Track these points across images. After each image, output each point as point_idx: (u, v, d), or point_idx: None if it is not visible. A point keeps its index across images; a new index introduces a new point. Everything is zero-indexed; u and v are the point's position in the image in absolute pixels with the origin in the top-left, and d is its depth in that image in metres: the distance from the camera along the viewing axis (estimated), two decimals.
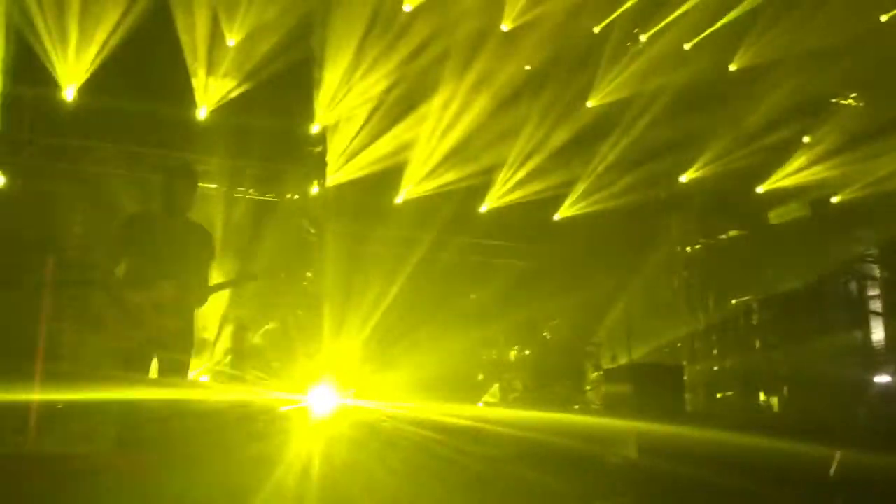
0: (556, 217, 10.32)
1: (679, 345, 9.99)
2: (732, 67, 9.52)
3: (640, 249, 9.61)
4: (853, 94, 9.78)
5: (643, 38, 9.30)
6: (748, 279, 10.26)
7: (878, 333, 9.54)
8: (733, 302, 10.10)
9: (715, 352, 9.87)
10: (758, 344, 9.19)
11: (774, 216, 10.15)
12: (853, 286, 9.59)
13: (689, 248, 10.89)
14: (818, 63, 8.56)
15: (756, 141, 9.78)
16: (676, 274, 10.92)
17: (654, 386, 6.41)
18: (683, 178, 10.31)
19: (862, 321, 9.35)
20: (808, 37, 8.43)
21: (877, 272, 9.35)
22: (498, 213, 9.98)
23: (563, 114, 9.37)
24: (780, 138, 9.75)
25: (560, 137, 9.39)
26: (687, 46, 9.18)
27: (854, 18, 8.39)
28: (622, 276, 9.65)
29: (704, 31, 9.03)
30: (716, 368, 9.57)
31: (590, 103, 9.60)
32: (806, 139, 10.04)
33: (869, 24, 8.64)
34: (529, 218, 10.06)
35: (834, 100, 9.78)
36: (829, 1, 8.24)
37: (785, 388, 8.50)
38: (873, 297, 9.52)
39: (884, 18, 8.77)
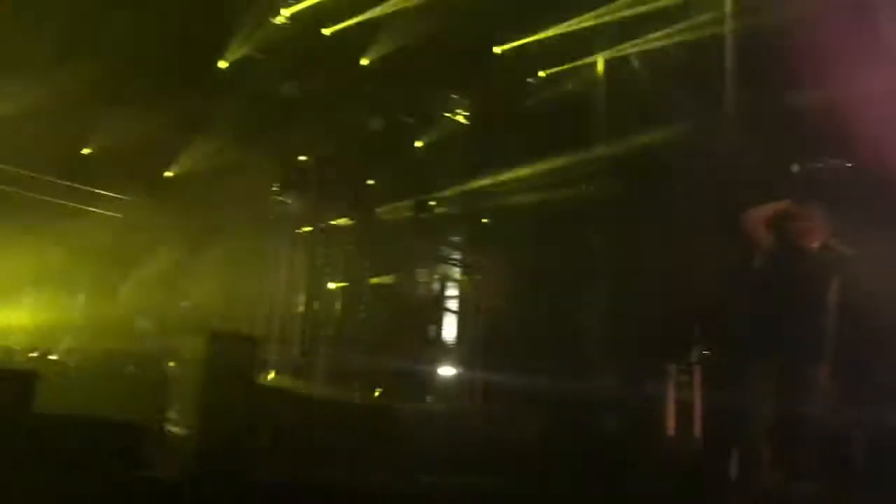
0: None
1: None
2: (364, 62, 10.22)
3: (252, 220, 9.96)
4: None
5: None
6: (350, 266, 11.16)
7: (450, 330, 11.11)
8: (331, 287, 10.91)
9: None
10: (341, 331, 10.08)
11: (384, 211, 11.25)
12: (436, 285, 11.06)
13: (303, 229, 11.50)
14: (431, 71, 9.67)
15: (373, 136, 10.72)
16: (287, 251, 11.46)
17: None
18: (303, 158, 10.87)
19: (437, 318, 10.82)
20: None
21: (457, 274, 10.89)
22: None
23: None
24: (394, 137, 10.84)
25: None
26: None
27: None
28: (228, 245, 9.89)
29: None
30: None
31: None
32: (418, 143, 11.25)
33: None
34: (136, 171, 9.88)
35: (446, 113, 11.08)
36: None
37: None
38: (451, 297, 11.07)
39: None
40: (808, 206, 5.03)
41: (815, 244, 4.93)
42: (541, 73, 10.54)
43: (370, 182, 11.49)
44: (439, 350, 10.97)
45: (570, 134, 9.92)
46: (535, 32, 9.73)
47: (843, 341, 5.84)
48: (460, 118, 11.97)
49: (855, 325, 6.37)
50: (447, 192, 11.41)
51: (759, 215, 4.98)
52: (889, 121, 6.92)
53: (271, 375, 9.56)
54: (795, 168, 7.28)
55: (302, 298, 11.38)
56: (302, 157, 10.87)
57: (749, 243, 5.05)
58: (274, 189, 11.02)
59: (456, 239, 11.83)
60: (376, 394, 9.41)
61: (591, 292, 9.14)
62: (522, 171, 10.54)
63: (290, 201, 11.14)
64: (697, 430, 6.94)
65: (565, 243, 9.51)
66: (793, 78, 7.55)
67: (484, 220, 11.09)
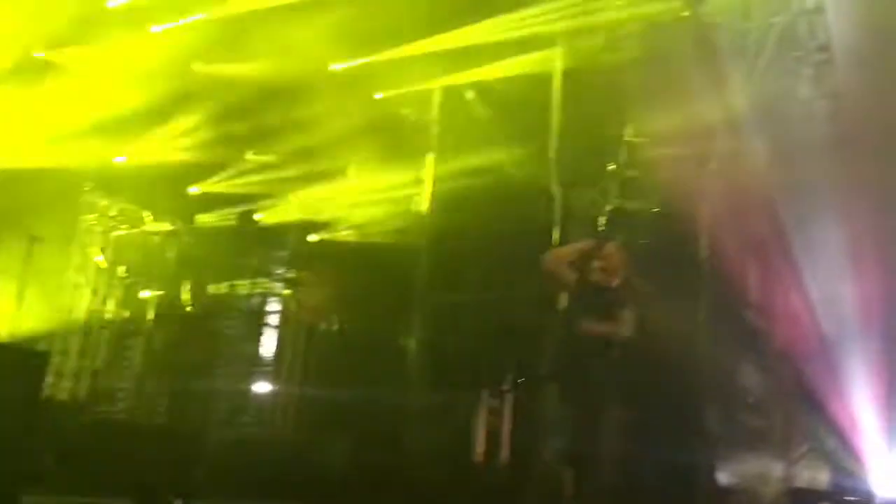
0: None
1: None
2: None
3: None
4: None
5: None
6: (166, 275, 10.65)
7: (269, 346, 10.86)
8: (144, 295, 10.38)
9: None
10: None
11: (203, 218, 10.85)
12: (257, 299, 10.81)
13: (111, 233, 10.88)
14: None
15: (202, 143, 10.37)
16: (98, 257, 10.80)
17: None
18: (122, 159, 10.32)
19: (256, 333, 10.56)
20: None
21: (278, 289, 10.69)
22: None
23: None
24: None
25: None
26: None
27: None
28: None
29: None
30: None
31: None
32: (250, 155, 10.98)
33: None
34: None
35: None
36: None
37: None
38: (272, 312, 10.85)
39: None
40: (606, 245, 5.41)
41: (614, 282, 5.26)
42: (378, 95, 10.65)
43: (192, 188, 11.06)
44: (254, 367, 10.71)
45: (405, 155, 10.08)
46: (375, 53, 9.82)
47: (638, 376, 6.27)
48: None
49: (650, 361, 6.88)
50: (274, 204, 11.22)
51: (560, 254, 5.32)
52: (687, 166, 7.58)
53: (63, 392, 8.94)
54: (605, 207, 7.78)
55: (111, 307, 10.73)
56: (121, 158, 10.30)
57: (551, 281, 5.34)
58: (86, 190, 10.34)
59: (281, 254, 11.62)
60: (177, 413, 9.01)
61: (413, 316, 9.26)
62: (352, 187, 10.59)
63: (104, 203, 10.49)
64: (503, 454, 7.19)
65: (391, 265, 9.61)
66: (608, 114, 8.08)
67: (310, 237, 10.98)
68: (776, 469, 10.16)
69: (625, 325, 5.18)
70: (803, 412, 10.65)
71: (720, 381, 8.59)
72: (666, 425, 7.39)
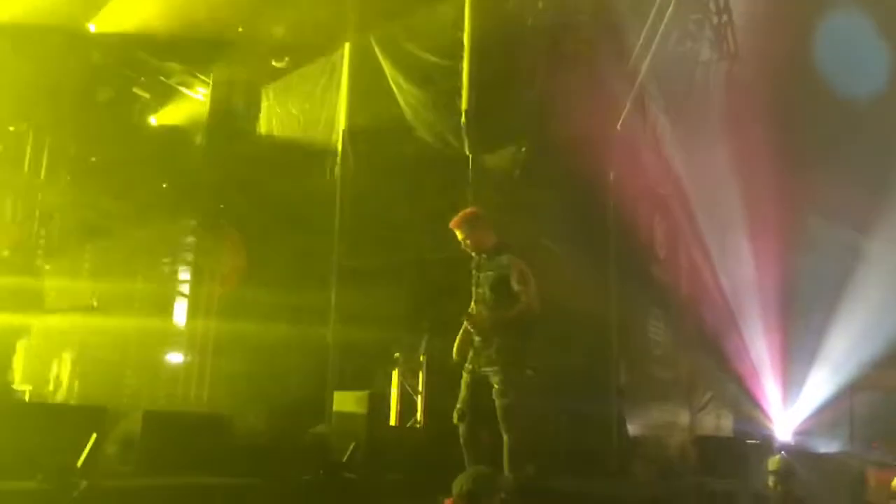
0: None
1: None
2: None
3: None
4: None
5: None
6: (69, 246, 10.25)
7: (180, 316, 10.65)
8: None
9: None
10: None
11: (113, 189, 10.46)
12: (167, 267, 10.57)
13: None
14: None
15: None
16: None
17: None
18: None
19: (167, 303, 10.34)
20: None
21: (189, 256, 10.47)
22: None
23: None
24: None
25: None
26: None
27: None
28: None
29: None
30: None
31: None
32: None
33: None
34: None
35: None
36: None
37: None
38: (182, 281, 10.63)
39: None
40: (472, 212, 5.59)
41: (485, 246, 5.45)
42: (286, 59, 10.44)
43: (94, 159, 10.63)
44: (165, 338, 10.50)
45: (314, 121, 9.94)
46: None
47: (550, 334, 6.43)
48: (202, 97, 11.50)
49: (562, 319, 7.07)
50: (184, 173, 10.92)
51: (452, 224, 5.52)
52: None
53: None
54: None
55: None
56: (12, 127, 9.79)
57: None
58: None
59: (192, 222, 11.33)
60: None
61: (327, 281, 9.21)
62: (265, 153, 10.37)
63: None
64: (419, 417, 7.28)
65: (304, 230, 9.50)
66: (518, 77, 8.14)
67: (222, 206, 10.73)
68: (682, 417, 10.67)
69: (530, 300, 5.31)
70: (707, 363, 11.19)
71: (629, 336, 8.89)
72: (578, 381, 7.64)
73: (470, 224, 5.51)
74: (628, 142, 8.99)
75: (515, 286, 5.29)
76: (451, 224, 5.54)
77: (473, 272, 5.54)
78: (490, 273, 5.44)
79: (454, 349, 5.53)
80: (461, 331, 5.50)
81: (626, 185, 8.70)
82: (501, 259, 5.43)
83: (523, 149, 8.10)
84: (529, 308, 5.27)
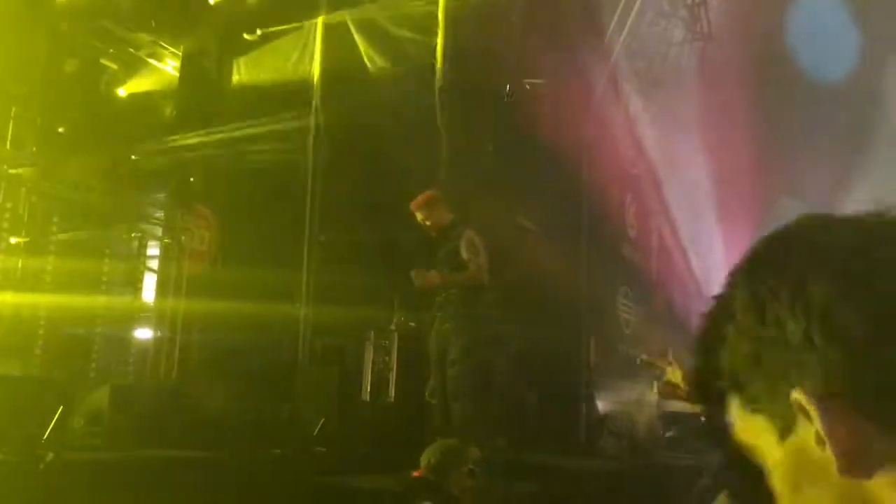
0: None
1: None
2: None
3: None
4: None
5: None
6: (34, 220, 10.09)
7: (149, 292, 10.55)
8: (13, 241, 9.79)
9: None
10: None
11: (77, 161, 10.29)
12: (136, 242, 10.43)
13: None
14: None
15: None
16: None
17: None
18: None
19: (136, 279, 10.22)
20: None
21: (159, 231, 10.34)
22: None
23: None
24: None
25: None
26: None
27: None
28: None
29: None
30: None
31: None
32: None
33: None
34: None
35: None
36: None
37: None
38: (152, 257, 10.51)
39: None
40: (430, 195, 5.75)
41: (443, 224, 5.63)
42: (258, 31, 10.32)
43: (61, 130, 10.45)
44: (134, 313, 10.40)
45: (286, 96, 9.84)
46: None
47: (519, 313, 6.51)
48: (171, 69, 11.35)
49: (532, 297, 7.14)
50: (152, 146, 10.76)
51: (412, 206, 5.71)
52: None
53: None
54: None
55: None
56: None
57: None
58: None
59: (160, 196, 11.21)
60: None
61: (300, 258, 9.19)
62: (236, 130, 10.26)
63: None
64: (390, 392, 7.33)
65: (278, 206, 9.45)
66: (492, 54, 8.14)
67: (192, 179, 10.61)
68: (651, 394, 10.84)
69: (478, 268, 5.46)
70: (676, 341, 11.35)
71: (600, 313, 8.97)
72: (548, 357, 7.73)
73: (428, 206, 5.68)
74: (601, 121, 9.03)
75: (464, 254, 5.45)
76: (411, 206, 5.71)
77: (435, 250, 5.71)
78: (444, 247, 5.61)
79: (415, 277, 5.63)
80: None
81: (598, 164, 8.76)
82: (455, 233, 5.58)
83: (496, 125, 8.11)
84: (476, 276, 5.43)
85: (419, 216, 5.72)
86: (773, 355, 0.65)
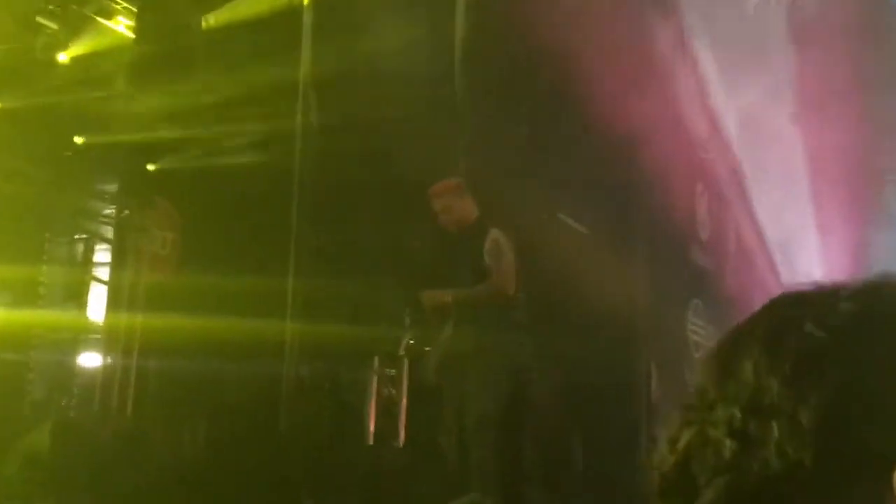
0: None
1: None
2: None
3: None
4: None
5: None
6: None
7: (98, 306, 10.67)
8: None
9: None
10: None
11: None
12: (80, 245, 10.57)
13: None
14: None
15: None
16: None
17: None
18: None
19: (82, 290, 10.35)
20: None
21: (109, 232, 10.46)
22: None
23: None
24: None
25: None
26: None
27: None
28: None
29: None
30: None
31: None
32: None
33: None
34: None
35: None
36: None
37: None
38: (101, 264, 10.63)
39: None
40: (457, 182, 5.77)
41: (467, 222, 5.63)
42: None
43: None
44: (79, 333, 10.52)
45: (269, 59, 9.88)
46: None
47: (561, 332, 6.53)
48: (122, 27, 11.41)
49: (575, 315, 7.15)
50: (101, 125, 10.86)
51: (431, 192, 5.72)
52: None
53: None
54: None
55: None
56: None
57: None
58: None
59: (111, 188, 11.31)
60: None
61: (286, 264, 9.23)
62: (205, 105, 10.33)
63: None
64: (401, 432, 7.35)
65: (258, 200, 9.50)
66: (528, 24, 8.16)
67: (151, 166, 10.69)
68: None
69: (500, 278, 5.46)
70: None
71: (663, 336, 8.94)
72: (598, 392, 7.72)
73: (451, 195, 5.66)
74: (665, 92, 9.02)
75: (487, 260, 5.43)
76: (430, 192, 5.69)
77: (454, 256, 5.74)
78: (467, 254, 5.60)
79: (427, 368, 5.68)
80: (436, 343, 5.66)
81: (661, 146, 8.73)
82: (480, 234, 5.57)
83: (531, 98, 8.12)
84: (498, 286, 5.41)
85: (438, 206, 5.70)
86: None
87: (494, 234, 5.59)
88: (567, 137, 7.91)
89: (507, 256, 5.52)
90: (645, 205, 8.74)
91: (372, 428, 7.56)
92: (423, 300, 5.58)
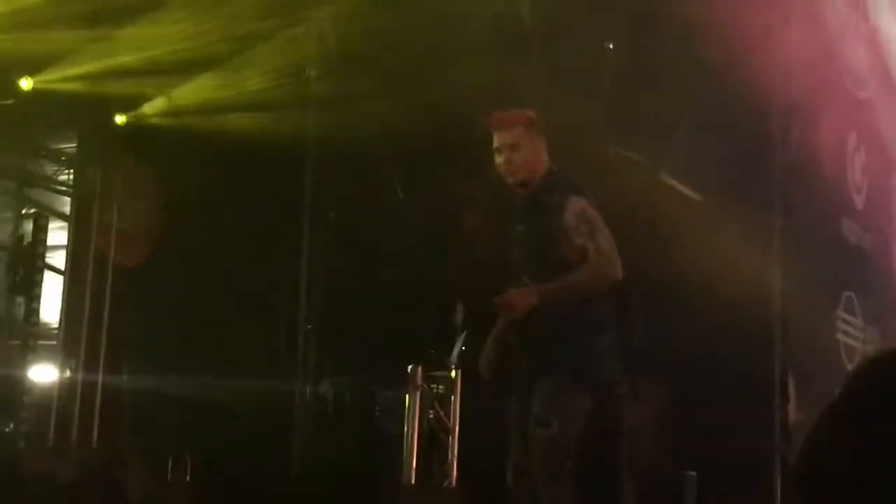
0: None
1: None
2: None
3: None
4: None
5: None
6: None
7: (52, 305, 10.84)
8: None
9: None
10: None
11: None
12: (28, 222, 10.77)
13: None
14: None
15: None
16: None
17: None
18: None
19: (30, 284, 10.52)
20: None
21: (66, 204, 10.64)
22: None
23: None
24: None
25: None
26: None
27: None
28: None
29: None
30: None
31: None
32: None
33: None
34: None
35: None
36: None
37: None
38: (54, 247, 10.80)
39: None
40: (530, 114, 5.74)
41: (534, 175, 5.61)
42: None
43: None
44: (27, 340, 10.70)
45: None
46: None
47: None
48: None
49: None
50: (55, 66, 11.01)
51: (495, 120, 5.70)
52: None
53: None
54: None
55: None
56: None
57: None
58: None
59: (68, 147, 11.47)
60: None
61: (295, 250, 9.31)
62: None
63: None
64: (451, 472, 7.40)
65: (257, 169, 9.57)
66: None
67: (119, 119, 10.83)
68: None
69: (601, 259, 5.43)
70: None
71: (804, 338, 8.85)
72: (716, 410, 7.68)
73: (518, 129, 5.63)
74: (807, 10, 8.92)
75: (575, 239, 5.39)
76: (491, 121, 5.66)
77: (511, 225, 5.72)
78: (535, 224, 5.57)
79: (482, 359, 5.67)
80: (493, 330, 5.62)
81: (803, 86, 8.64)
82: (552, 201, 5.53)
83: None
84: (599, 273, 5.38)
85: (501, 142, 5.63)
86: None
87: (577, 202, 5.55)
88: (671, 72, 7.86)
89: (604, 231, 5.49)
90: (779, 163, 8.65)
91: (414, 463, 7.59)
92: (504, 304, 5.52)
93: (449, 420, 7.56)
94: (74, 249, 10.58)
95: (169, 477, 8.01)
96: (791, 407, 8.36)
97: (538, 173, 5.64)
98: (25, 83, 10.93)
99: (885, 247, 10.60)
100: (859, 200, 10.07)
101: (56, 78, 10.77)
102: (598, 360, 5.53)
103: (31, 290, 10.47)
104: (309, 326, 8.92)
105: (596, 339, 5.54)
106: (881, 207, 10.50)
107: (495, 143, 5.65)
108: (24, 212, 10.82)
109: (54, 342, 10.78)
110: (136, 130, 10.72)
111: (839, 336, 9.67)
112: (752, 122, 8.41)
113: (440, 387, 7.69)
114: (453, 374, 7.52)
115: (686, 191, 8.00)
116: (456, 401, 7.51)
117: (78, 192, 10.65)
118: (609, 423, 5.62)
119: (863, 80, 10.01)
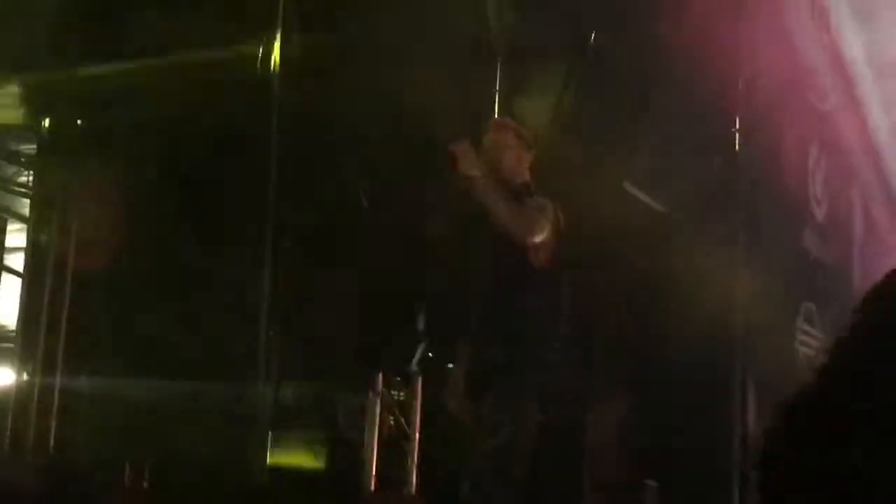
0: None
1: None
2: None
3: None
4: None
5: None
6: None
7: (8, 308, 10.81)
8: None
9: None
10: None
11: None
12: None
13: None
14: None
15: None
16: None
17: None
18: None
19: None
20: None
21: (24, 206, 10.60)
22: None
23: None
24: None
25: None
26: None
27: None
28: None
29: None
30: None
31: None
32: None
33: None
34: None
35: None
36: None
37: None
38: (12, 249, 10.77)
39: None
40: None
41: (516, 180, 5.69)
42: None
43: None
44: None
45: None
46: None
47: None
48: None
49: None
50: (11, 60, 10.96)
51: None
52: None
53: None
54: None
55: None
56: None
57: None
58: None
59: (27, 148, 11.41)
60: None
61: (259, 247, 9.30)
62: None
63: None
64: (411, 479, 7.43)
65: (218, 162, 9.57)
66: None
67: (79, 120, 10.78)
68: None
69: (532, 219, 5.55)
70: None
71: (764, 348, 8.94)
72: (676, 418, 7.76)
73: (514, 134, 5.71)
74: (770, 23, 9.01)
75: (530, 202, 5.55)
76: (487, 125, 5.73)
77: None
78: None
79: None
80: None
81: (763, 97, 8.72)
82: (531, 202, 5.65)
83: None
84: (524, 222, 5.57)
85: (490, 142, 5.74)
86: None
87: (541, 200, 5.67)
88: (641, 88, 7.94)
89: (552, 220, 5.60)
90: (740, 174, 8.72)
91: (374, 471, 7.62)
92: (454, 152, 5.60)
93: (409, 427, 7.58)
94: (33, 252, 10.53)
95: (126, 483, 8.00)
96: (750, 419, 8.45)
97: (518, 179, 5.76)
98: None
99: (845, 258, 10.73)
100: (820, 212, 10.19)
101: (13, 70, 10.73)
102: (552, 368, 5.60)
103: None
104: (271, 332, 8.90)
105: (551, 347, 5.61)
106: (841, 219, 10.62)
107: (484, 144, 5.76)
108: None
109: (11, 345, 10.72)
110: (96, 132, 10.68)
111: (798, 346, 9.79)
112: (716, 133, 8.51)
113: (401, 393, 7.72)
114: (414, 380, 7.56)
115: (649, 201, 8.07)
116: (416, 407, 7.54)
117: (36, 193, 10.59)
118: (565, 432, 5.69)
119: (825, 92, 10.13)
